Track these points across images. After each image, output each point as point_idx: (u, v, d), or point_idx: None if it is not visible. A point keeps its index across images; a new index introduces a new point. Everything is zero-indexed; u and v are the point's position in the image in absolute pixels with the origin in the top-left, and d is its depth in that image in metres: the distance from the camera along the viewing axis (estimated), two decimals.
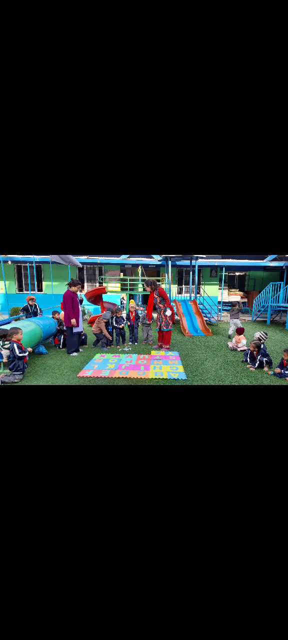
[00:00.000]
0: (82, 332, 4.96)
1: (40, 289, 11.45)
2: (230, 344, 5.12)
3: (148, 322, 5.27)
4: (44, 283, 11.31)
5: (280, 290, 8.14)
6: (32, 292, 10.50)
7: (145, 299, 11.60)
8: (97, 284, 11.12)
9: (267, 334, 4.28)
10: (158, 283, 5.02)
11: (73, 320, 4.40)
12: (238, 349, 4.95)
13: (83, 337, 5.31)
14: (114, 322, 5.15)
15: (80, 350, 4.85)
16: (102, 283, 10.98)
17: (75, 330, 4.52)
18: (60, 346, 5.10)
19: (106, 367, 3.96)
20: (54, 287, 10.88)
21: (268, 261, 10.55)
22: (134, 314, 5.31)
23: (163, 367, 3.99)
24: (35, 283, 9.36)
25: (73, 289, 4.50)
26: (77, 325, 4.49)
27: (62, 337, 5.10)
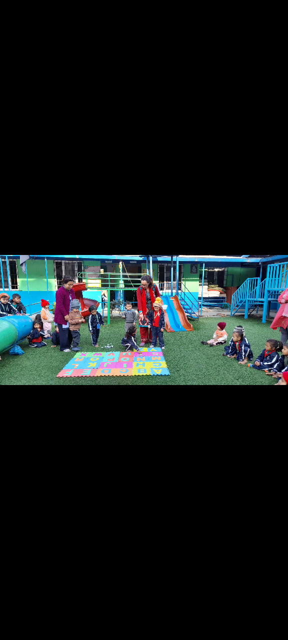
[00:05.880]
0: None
1: (14, 286, 10.84)
2: (209, 341, 5.23)
3: (146, 322, 4.89)
4: (19, 279, 10.73)
5: (256, 286, 8.51)
6: (5, 289, 9.93)
7: (127, 295, 11.50)
8: (76, 280, 10.79)
9: (241, 327, 4.41)
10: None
11: (66, 317, 4.51)
12: (215, 344, 5.08)
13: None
14: (90, 322, 4.91)
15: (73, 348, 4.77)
16: (81, 279, 10.67)
17: (64, 327, 4.61)
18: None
19: (87, 365, 3.83)
20: (30, 284, 10.38)
21: (245, 257, 10.98)
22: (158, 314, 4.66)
23: (146, 363, 3.96)
24: (9, 280, 8.82)
25: (66, 285, 4.57)
26: (69, 321, 4.60)
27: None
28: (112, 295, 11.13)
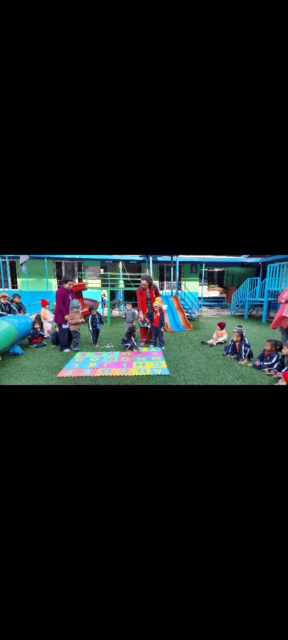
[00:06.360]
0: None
1: (14, 286, 10.84)
2: (209, 341, 5.22)
3: (146, 322, 4.92)
4: (19, 279, 10.72)
5: (256, 286, 8.51)
6: (5, 289, 9.95)
7: (127, 295, 11.50)
8: (76, 280, 10.78)
9: (241, 327, 4.41)
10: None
11: (66, 317, 4.51)
12: (215, 344, 5.08)
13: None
14: (90, 322, 4.91)
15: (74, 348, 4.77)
16: (81, 279, 10.66)
17: (64, 327, 4.61)
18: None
19: (87, 365, 3.83)
20: (30, 284, 10.38)
21: (245, 257, 10.98)
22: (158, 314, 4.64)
23: (146, 363, 3.96)
24: (9, 280, 8.82)
25: (66, 285, 4.57)
26: (69, 321, 4.60)
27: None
28: (112, 295, 11.13)
